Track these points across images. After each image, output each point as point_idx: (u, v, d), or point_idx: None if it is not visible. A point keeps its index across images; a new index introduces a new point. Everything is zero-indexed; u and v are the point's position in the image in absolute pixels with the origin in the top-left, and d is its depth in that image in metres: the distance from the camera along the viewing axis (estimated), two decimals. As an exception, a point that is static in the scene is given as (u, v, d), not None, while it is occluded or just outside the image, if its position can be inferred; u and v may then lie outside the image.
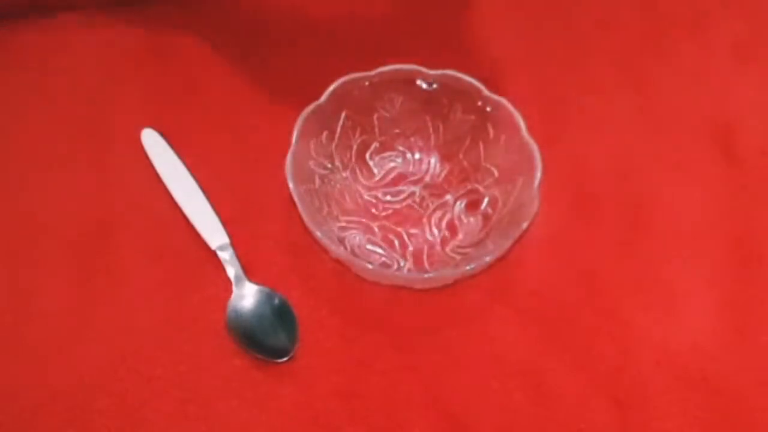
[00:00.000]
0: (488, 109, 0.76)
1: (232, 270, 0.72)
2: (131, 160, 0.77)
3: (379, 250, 0.75)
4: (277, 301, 0.71)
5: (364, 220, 0.76)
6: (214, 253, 0.73)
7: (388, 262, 0.74)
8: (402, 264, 0.74)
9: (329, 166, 0.77)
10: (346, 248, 0.73)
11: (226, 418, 0.68)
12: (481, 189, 0.77)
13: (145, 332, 0.70)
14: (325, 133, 0.76)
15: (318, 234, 0.70)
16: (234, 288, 0.71)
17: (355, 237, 0.75)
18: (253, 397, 0.68)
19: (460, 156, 0.78)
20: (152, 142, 0.77)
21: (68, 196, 0.76)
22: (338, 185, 0.77)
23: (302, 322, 0.70)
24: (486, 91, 0.76)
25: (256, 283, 0.72)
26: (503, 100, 0.75)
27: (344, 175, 0.78)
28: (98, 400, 0.68)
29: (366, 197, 0.78)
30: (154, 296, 0.72)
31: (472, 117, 0.77)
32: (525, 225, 0.70)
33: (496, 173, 0.77)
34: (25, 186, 0.76)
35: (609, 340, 0.72)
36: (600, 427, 0.69)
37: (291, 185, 0.70)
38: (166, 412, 0.67)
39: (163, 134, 0.77)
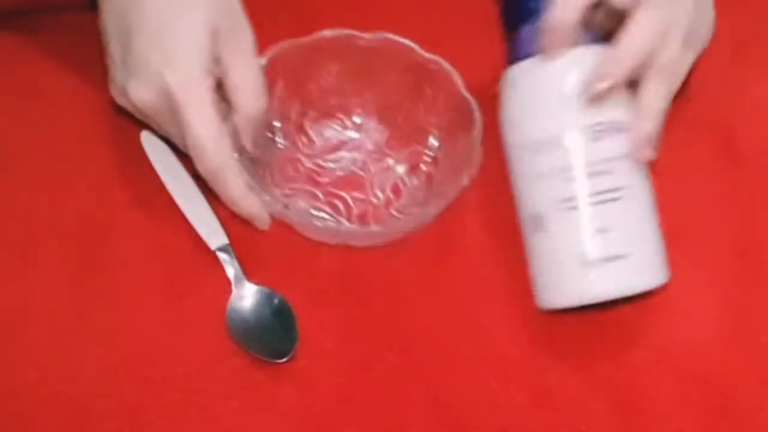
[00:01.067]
0: (424, 68, 0.77)
1: (231, 270, 0.72)
2: (131, 161, 0.77)
3: (324, 215, 0.76)
4: (276, 301, 0.71)
5: (307, 187, 0.77)
6: (213, 254, 0.73)
7: (334, 225, 0.75)
8: (348, 226, 0.75)
9: (268, 135, 0.78)
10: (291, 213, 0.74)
11: (226, 419, 0.67)
12: (422, 150, 0.78)
13: (144, 333, 0.70)
14: None
15: (265, 199, 0.71)
16: (233, 288, 0.71)
17: (299, 203, 0.76)
18: (253, 397, 0.68)
19: (400, 119, 0.79)
20: (151, 143, 0.77)
21: (67, 197, 0.76)
22: (278, 154, 0.78)
23: (302, 323, 0.70)
24: (421, 51, 0.76)
25: (256, 283, 0.72)
26: (440, 59, 0.76)
27: (284, 143, 0.78)
28: (98, 402, 0.67)
29: (308, 165, 0.78)
30: (153, 297, 0.72)
31: (410, 78, 0.78)
32: (466, 181, 0.71)
33: (436, 133, 0.78)
34: (25, 187, 0.76)
35: (608, 341, 0.72)
36: (600, 428, 0.69)
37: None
38: (165, 414, 0.67)
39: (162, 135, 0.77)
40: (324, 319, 0.71)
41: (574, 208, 0.67)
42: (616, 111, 0.69)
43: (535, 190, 0.69)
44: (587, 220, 0.67)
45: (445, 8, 0.87)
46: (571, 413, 0.69)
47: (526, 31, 0.70)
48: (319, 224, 0.72)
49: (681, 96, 0.83)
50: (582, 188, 0.67)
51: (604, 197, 0.67)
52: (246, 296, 0.71)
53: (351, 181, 0.78)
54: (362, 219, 0.76)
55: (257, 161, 0.75)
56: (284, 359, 0.69)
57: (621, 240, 0.67)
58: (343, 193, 0.77)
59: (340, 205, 0.77)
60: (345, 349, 0.71)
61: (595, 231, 0.67)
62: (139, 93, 0.70)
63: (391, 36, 0.77)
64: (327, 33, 0.77)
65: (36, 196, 0.76)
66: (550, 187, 0.68)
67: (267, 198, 0.71)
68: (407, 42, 0.77)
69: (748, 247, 0.77)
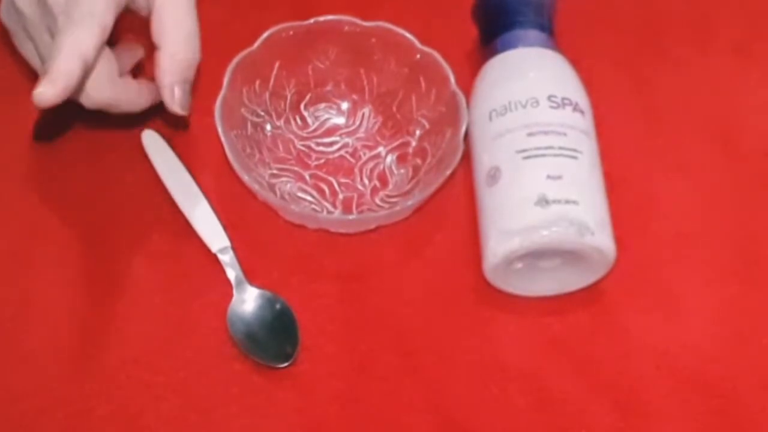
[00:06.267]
0: (420, 60, 0.77)
1: (232, 273, 0.72)
2: (131, 162, 0.76)
3: (309, 198, 0.76)
4: (278, 305, 0.71)
5: (296, 168, 0.78)
6: (214, 257, 0.72)
7: (317, 209, 0.75)
8: (331, 211, 0.76)
9: (262, 114, 0.78)
10: (276, 194, 0.74)
11: (227, 424, 0.67)
12: (412, 141, 0.79)
13: (144, 337, 0.70)
14: (258, 82, 0.77)
15: (246, 178, 0.70)
16: (235, 292, 0.71)
17: (286, 184, 0.76)
18: (253, 402, 0.68)
19: (394, 109, 0.80)
20: (152, 142, 0.76)
21: (67, 199, 0.75)
22: (270, 134, 0.78)
23: (303, 327, 0.70)
24: (418, 44, 0.77)
25: (258, 286, 0.71)
26: (435, 53, 0.76)
27: (277, 124, 0.79)
28: (98, 407, 0.67)
29: (299, 146, 0.79)
30: (153, 300, 0.71)
31: (406, 70, 0.78)
32: (448, 172, 0.72)
33: (426, 125, 0.78)
34: (24, 187, 0.76)
35: (608, 344, 0.72)
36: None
37: (220, 130, 0.71)
38: (166, 418, 0.67)
39: (163, 135, 0.77)
40: (325, 324, 0.71)
41: (532, 156, 0.71)
42: (573, 91, 0.75)
43: (495, 146, 0.72)
44: (543, 165, 0.70)
45: (443, 3, 0.87)
46: (572, 416, 0.69)
47: (499, 41, 0.77)
48: (296, 209, 0.72)
49: (682, 96, 0.84)
50: (540, 141, 0.71)
51: (558, 152, 0.70)
52: (247, 300, 0.71)
53: (340, 166, 0.78)
54: (346, 205, 0.76)
55: (246, 138, 0.75)
56: (285, 364, 0.69)
57: (572, 188, 0.69)
58: (330, 178, 0.77)
59: (327, 190, 0.77)
60: (346, 353, 0.70)
61: (549, 176, 0.69)
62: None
63: (389, 26, 0.77)
64: (327, 17, 0.77)
65: (35, 197, 0.75)
66: (510, 141, 0.71)
67: (252, 176, 0.71)
68: (405, 33, 0.77)
69: (748, 247, 0.77)
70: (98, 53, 0.66)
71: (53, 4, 0.65)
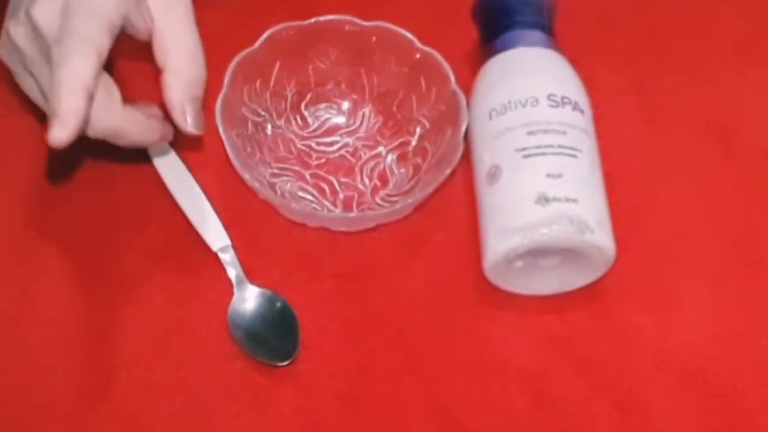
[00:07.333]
0: (420, 60, 0.77)
1: (233, 272, 0.72)
2: (131, 161, 0.76)
3: (310, 197, 0.76)
4: (278, 304, 0.71)
5: (296, 167, 0.78)
6: (215, 256, 0.72)
7: (318, 208, 0.75)
8: (332, 210, 0.76)
9: (263, 113, 0.78)
10: (276, 193, 0.74)
11: (227, 424, 0.67)
12: (412, 141, 0.79)
13: (144, 336, 0.70)
14: (258, 81, 0.77)
15: (246, 177, 0.70)
16: (235, 291, 0.71)
17: (286, 184, 0.76)
18: (253, 401, 0.68)
19: (394, 108, 0.80)
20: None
21: (67, 198, 0.75)
22: (271, 133, 0.78)
23: (304, 326, 0.70)
24: (418, 43, 0.77)
25: (258, 285, 0.71)
26: (435, 53, 0.77)
27: (278, 123, 0.79)
28: (98, 406, 0.67)
29: (300, 146, 0.79)
30: (153, 299, 0.71)
31: (406, 70, 0.78)
32: (448, 171, 0.72)
33: (426, 125, 0.78)
34: (24, 188, 0.76)
35: (608, 343, 0.72)
36: (601, 431, 0.69)
37: (220, 129, 0.71)
38: (166, 417, 0.67)
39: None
40: (325, 322, 0.71)
41: (532, 155, 0.71)
42: (572, 90, 0.75)
43: (495, 145, 0.72)
44: (543, 163, 0.70)
45: (443, 3, 0.87)
46: (572, 416, 0.69)
47: (500, 41, 0.77)
48: (296, 207, 0.72)
49: (681, 96, 0.84)
50: (539, 139, 0.71)
51: (558, 150, 0.71)
52: (248, 299, 0.71)
53: (340, 165, 0.78)
54: (347, 204, 0.76)
55: (247, 138, 0.75)
56: (286, 362, 0.69)
57: (571, 186, 0.70)
58: (331, 177, 0.78)
59: (327, 189, 0.77)
60: (346, 352, 0.70)
61: (549, 174, 0.70)
62: (16, 31, 0.64)
63: (389, 26, 0.77)
64: (327, 17, 0.77)
65: (35, 196, 0.75)
66: (510, 139, 0.72)
67: (253, 175, 0.71)
68: (405, 33, 0.77)
69: (748, 247, 0.77)
70: (97, 79, 0.63)
71: (47, 34, 0.63)
